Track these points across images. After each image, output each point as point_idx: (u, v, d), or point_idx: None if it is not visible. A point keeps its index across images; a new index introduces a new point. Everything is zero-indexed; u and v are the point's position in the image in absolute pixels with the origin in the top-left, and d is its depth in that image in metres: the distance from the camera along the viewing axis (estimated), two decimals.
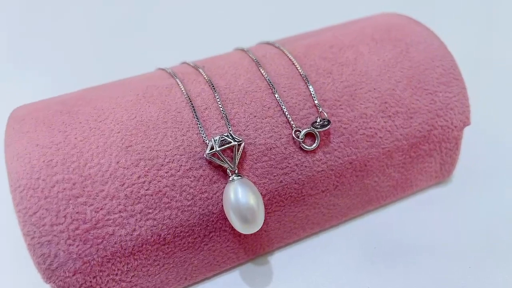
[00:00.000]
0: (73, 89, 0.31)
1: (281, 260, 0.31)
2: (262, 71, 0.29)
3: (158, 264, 0.27)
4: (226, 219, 0.27)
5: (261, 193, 0.27)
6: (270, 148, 0.27)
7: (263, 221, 0.25)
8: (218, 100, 0.27)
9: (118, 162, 0.25)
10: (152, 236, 0.25)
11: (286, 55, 0.31)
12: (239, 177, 0.25)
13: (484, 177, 0.36)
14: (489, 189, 0.36)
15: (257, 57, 0.30)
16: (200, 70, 0.29)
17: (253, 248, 0.30)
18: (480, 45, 0.50)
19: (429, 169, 0.33)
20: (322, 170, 0.29)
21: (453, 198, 0.35)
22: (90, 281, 0.25)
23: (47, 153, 0.25)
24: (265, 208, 0.28)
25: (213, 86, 0.28)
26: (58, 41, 0.53)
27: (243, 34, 0.45)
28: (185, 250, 0.27)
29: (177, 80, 0.29)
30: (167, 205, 0.25)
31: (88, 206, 0.24)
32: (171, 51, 0.49)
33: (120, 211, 0.25)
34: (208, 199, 0.26)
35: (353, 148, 0.29)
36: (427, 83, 0.31)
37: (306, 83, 0.29)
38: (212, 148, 0.25)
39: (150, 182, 0.25)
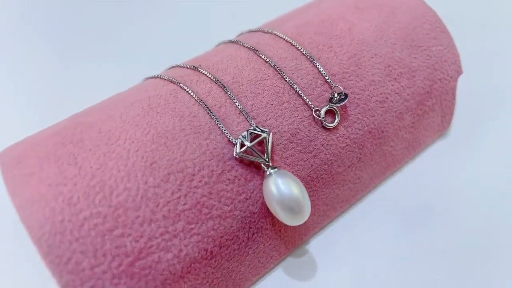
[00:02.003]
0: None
1: (319, 247, 0.30)
2: (264, 57, 0.28)
3: (207, 282, 0.25)
4: (266, 217, 0.26)
5: None
6: (295, 134, 0.26)
7: (310, 209, 0.24)
8: (231, 95, 0.26)
9: (146, 183, 0.23)
10: (199, 253, 0.23)
11: (281, 37, 0.30)
12: (276, 169, 0.24)
13: (479, 123, 0.38)
14: (486, 133, 0.37)
15: (252, 45, 0.29)
16: (201, 69, 0.27)
17: (293, 241, 0.29)
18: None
19: (433, 124, 0.34)
20: (347, 145, 0.28)
21: (456, 147, 0.36)
22: None
23: (64, 190, 0.22)
24: None
25: (220, 83, 0.26)
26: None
27: (209, 31, 0.43)
28: (231, 259, 0.25)
29: (180, 84, 0.27)
30: (208, 216, 0.24)
31: (127, 237, 0.22)
32: (138, 60, 0.46)
33: (161, 234, 0.22)
34: (247, 199, 0.25)
35: (370, 116, 0.29)
36: (419, 41, 0.32)
37: (311, 61, 0.28)
38: (242, 145, 0.24)
39: (185, 196, 0.23)
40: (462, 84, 0.37)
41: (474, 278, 0.28)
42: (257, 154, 0.24)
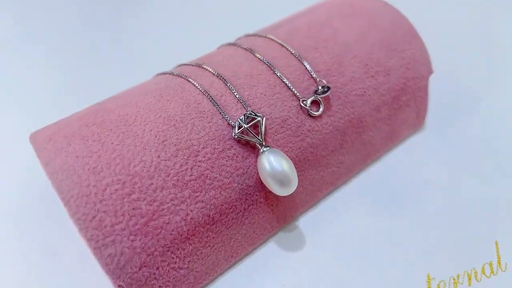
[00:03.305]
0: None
1: (308, 224, 0.34)
2: (259, 56, 0.33)
3: (209, 245, 0.29)
4: (260, 191, 0.30)
5: None
6: (285, 120, 0.31)
7: (297, 181, 0.28)
8: (230, 87, 0.30)
9: (158, 157, 0.27)
10: (203, 217, 0.27)
11: (274, 40, 0.34)
12: (268, 148, 0.28)
13: (451, 119, 0.43)
14: (457, 127, 0.42)
15: (249, 46, 0.34)
16: (205, 66, 0.32)
17: (284, 216, 0.33)
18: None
19: (408, 118, 0.39)
20: (330, 132, 0.33)
21: (430, 140, 0.41)
22: (154, 273, 0.27)
23: (89, 161, 0.26)
24: None
25: (221, 77, 0.31)
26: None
27: (213, 36, 0.48)
28: (230, 226, 0.29)
29: (187, 78, 0.31)
30: (210, 186, 0.28)
31: (142, 201, 0.26)
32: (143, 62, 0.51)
33: (171, 200, 0.27)
34: (244, 174, 0.29)
35: (350, 108, 0.33)
36: (394, 44, 0.36)
37: (299, 60, 0.33)
38: (239, 127, 0.28)
39: (192, 168, 0.27)
40: (437, 84, 0.42)
41: (445, 259, 0.32)
42: (252, 134, 0.28)
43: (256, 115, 0.29)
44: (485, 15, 0.58)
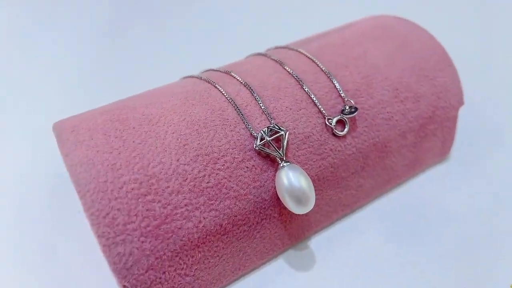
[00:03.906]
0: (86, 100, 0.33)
1: (320, 245, 0.34)
2: (288, 69, 0.32)
3: (218, 255, 0.28)
4: (275, 206, 0.29)
5: None
6: (308, 136, 0.30)
7: (314, 201, 0.28)
8: (256, 97, 0.30)
9: (178, 160, 0.27)
10: (215, 226, 0.27)
11: (305, 54, 0.34)
12: (288, 163, 0.28)
13: (477, 151, 0.41)
14: (483, 161, 0.41)
15: (278, 58, 0.33)
16: (233, 74, 0.32)
17: (296, 233, 0.32)
18: (464, 36, 0.57)
19: (434, 147, 0.38)
20: (352, 153, 0.32)
21: (453, 171, 0.40)
22: (160, 277, 0.26)
23: (109, 157, 0.26)
24: None
25: (249, 86, 0.31)
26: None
27: (243, 45, 0.48)
28: (241, 239, 0.29)
29: (214, 84, 0.31)
30: (226, 195, 0.27)
31: (157, 203, 0.26)
32: (173, 64, 0.51)
33: (186, 205, 0.26)
34: (261, 187, 0.28)
35: (376, 131, 0.33)
36: (426, 70, 0.36)
37: (328, 77, 0.32)
38: (262, 139, 0.28)
39: (209, 175, 0.27)
40: (464, 115, 0.41)
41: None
42: (274, 148, 0.28)
43: (280, 128, 0.28)
44: None
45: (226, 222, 0.27)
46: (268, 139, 0.28)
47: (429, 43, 0.37)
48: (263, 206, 0.29)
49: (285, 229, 0.31)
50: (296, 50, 0.35)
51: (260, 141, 0.28)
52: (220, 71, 0.33)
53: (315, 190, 0.31)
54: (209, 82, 0.31)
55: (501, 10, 0.64)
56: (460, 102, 0.37)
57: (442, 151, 0.39)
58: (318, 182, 0.31)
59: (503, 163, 0.41)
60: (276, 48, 0.37)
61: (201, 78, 0.32)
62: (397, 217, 0.36)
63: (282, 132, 0.28)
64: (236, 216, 0.28)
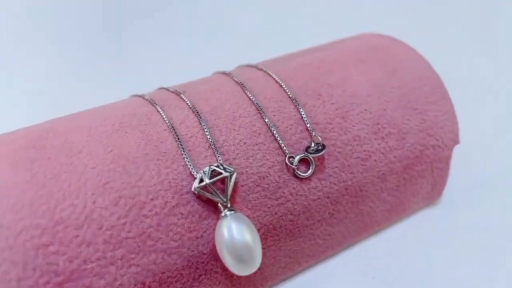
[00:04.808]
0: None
1: None
2: (249, 95, 0.27)
3: None
4: (217, 259, 0.24)
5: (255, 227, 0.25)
6: (263, 177, 0.25)
7: (260, 259, 0.23)
8: (204, 127, 0.25)
9: (94, 202, 0.22)
10: (135, 285, 0.22)
11: (273, 77, 0.29)
12: (232, 212, 0.23)
13: (473, 197, 0.36)
14: (478, 207, 0.35)
15: (242, 80, 0.29)
16: (182, 96, 0.27)
17: None
18: (463, 64, 0.51)
19: (421, 191, 0.32)
20: (318, 198, 0.27)
21: (444, 218, 0.34)
22: None
23: (11, 195, 0.22)
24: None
25: (197, 112, 0.26)
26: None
27: (221, 58, 0.43)
28: None
29: (157, 107, 0.26)
30: (152, 248, 0.22)
31: (61, 256, 0.21)
32: (146, 76, 0.46)
33: (98, 259, 0.21)
34: (198, 238, 0.24)
35: (348, 173, 0.28)
36: (416, 103, 0.30)
37: (296, 106, 0.27)
38: (201, 180, 0.23)
39: (132, 223, 0.22)
40: (461, 154, 0.35)
41: None
42: (215, 192, 0.23)
43: (224, 168, 0.23)
44: None
45: (150, 280, 0.23)
46: (208, 182, 0.23)
47: (423, 70, 0.32)
48: (201, 261, 0.24)
49: (232, 285, 0.26)
50: (264, 71, 0.30)
51: (200, 183, 0.23)
52: (171, 91, 0.28)
53: (270, 239, 0.26)
54: (153, 105, 0.27)
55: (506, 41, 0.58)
56: (455, 141, 0.32)
57: (431, 195, 0.33)
58: (274, 231, 0.26)
59: (502, 210, 0.35)
60: (247, 66, 0.32)
61: (146, 99, 0.27)
62: (373, 268, 0.31)
63: (227, 174, 0.23)
64: (164, 272, 0.23)
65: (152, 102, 0.27)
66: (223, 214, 0.23)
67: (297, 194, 0.26)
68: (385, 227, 0.33)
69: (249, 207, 0.25)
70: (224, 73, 0.30)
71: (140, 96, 0.29)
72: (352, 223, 0.30)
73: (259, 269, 0.27)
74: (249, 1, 0.61)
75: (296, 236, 0.27)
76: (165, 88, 0.29)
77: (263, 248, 0.26)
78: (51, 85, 0.46)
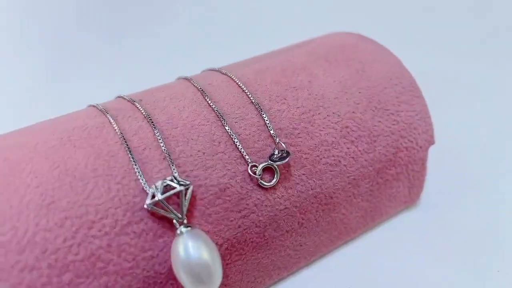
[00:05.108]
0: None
1: None
2: (209, 101, 0.26)
3: None
4: (176, 279, 0.23)
5: (217, 243, 0.23)
6: (224, 189, 0.24)
7: (220, 279, 0.21)
8: (159, 137, 0.24)
9: (37, 225, 0.20)
10: None
11: (235, 81, 0.27)
12: (189, 228, 0.22)
13: (453, 197, 0.35)
14: (458, 209, 0.34)
15: (202, 86, 0.27)
16: (137, 104, 0.25)
17: None
18: (434, 60, 0.50)
19: (397, 194, 0.31)
20: (285, 208, 0.25)
21: (423, 221, 0.33)
22: None
23: None
24: (224, 259, 0.24)
25: (152, 122, 0.24)
26: None
27: (189, 62, 0.42)
28: None
29: (109, 117, 0.24)
30: (102, 271, 0.21)
31: (3, 283, 0.19)
32: (109, 84, 0.45)
33: (43, 285, 0.20)
34: (153, 257, 0.22)
35: (317, 179, 0.26)
36: (387, 103, 0.29)
37: (259, 112, 0.26)
38: (153, 196, 0.21)
39: (79, 245, 0.21)
40: (438, 155, 0.34)
41: None
42: (169, 209, 0.21)
43: (178, 182, 0.22)
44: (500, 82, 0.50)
45: None
46: (160, 197, 0.21)
47: (393, 69, 0.30)
48: (158, 281, 0.22)
49: None
50: (227, 75, 0.28)
51: (152, 199, 0.21)
52: (127, 100, 0.27)
53: (235, 255, 0.24)
54: (106, 115, 0.25)
55: (485, 36, 0.57)
56: (430, 141, 0.30)
57: (408, 198, 0.32)
58: (239, 245, 0.24)
59: (483, 209, 0.34)
60: (210, 70, 0.30)
61: (99, 109, 0.26)
62: (348, 278, 0.29)
63: (181, 188, 0.22)
64: None
65: (104, 113, 0.25)
66: (178, 232, 0.21)
67: (262, 205, 0.25)
68: (361, 233, 0.32)
69: (209, 221, 0.23)
70: (185, 78, 0.29)
71: (95, 106, 0.27)
72: (324, 232, 0.28)
73: (225, 285, 0.25)
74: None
75: (264, 248, 0.26)
76: (121, 97, 0.28)
77: (227, 264, 0.24)
78: (26, 88, 0.44)
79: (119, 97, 0.28)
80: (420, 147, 0.30)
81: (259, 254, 0.26)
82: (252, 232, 0.25)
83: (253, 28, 0.58)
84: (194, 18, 0.59)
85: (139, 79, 0.36)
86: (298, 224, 0.26)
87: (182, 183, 0.22)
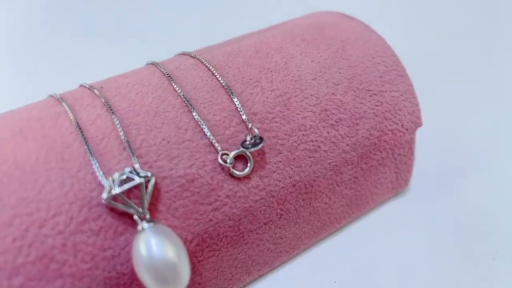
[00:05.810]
0: None
1: None
2: (175, 86, 0.24)
3: None
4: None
5: (186, 239, 0.22)
6: (192, 180, 0.22)
7: (188, 278, 0.20)
8: (118, 126, 0.22)
9: None
10: None
11: (205, 64, 0.25)
12: (152, 224, 0.20)
13: (444, 183, 0.33)
14: (449, 194, 0.32)
15: (169, 71, 0.25)
16: (96, 91, 0.23)
17: None
18: (419, 39, 0.48)
19: (384, 181, 0.29)
20: (261, 199, 0.24)
21: (413, 209, 0.31)
22: None
23: None
24: (196, 256, 0.22)
25: (111, 110, 0.22)
26: None
27: (164, 46, 0.40)
28: None
29: (65, 106, 0.22)
30: (57, 273, 0.19)
31: None
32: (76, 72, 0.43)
33: None
34: (114, 257, 0.20)
35: (295, 167, 0.24)
36: (370, 83, 0.27)
37: (230, 96, 0.24)
38: (110, 190, 0.20)
39: (30, 246, 0.19)
40: (427, 138, 0.32)
41: None
42: (128, 203, 0.20)
43: (138, 174, 0.20)
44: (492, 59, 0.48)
45: None
46: (118, 191, 0.19)
47: (376, 47, 0.29)
48: (122, 282, 0.20)
49: None
50: (196, 58, 0.26)
51: (109, 193, 0.20)
52: (87, 88, 0.25)
53: (208, 250, 0.23)
54: (62, 105, 0.23)
55: (470, 15, 0.55)
56: (417, 123, 0.29)
57: (396, 184, 0.30)
58: (211, 240, 0.23)
59: (474, 194, 0.32)
60: (180, 54, 0.28)
61: (56, 98, 0.24)
62: (333, 271, 0.27)
63: (140, 180, 0.20)
64: None
65: (61, 101, 0.23)
66: (140, 228, 0.20)
67: (235, 196, 0.23)
68: (347, 223, 0.30)
69: (176, 216, 0.21)
70: (152, 63, 0.27)
71: (53, 95, 0.25)
72: (306, 223, 0.26)
73: (199, 284, 0.23)
74: None
75: (239, 243, 0.24)
76: (83, 85, 0.25)
77: (199, 261, 0.23)
78: None
79: (81, 85, 0.26)
80: (406, 129, 0.28)
81: (234, 249, 0.24)
82: (226, 226, 0.23)
83: (239, 10, 0.56)
84: (175, 2, 0.56)
85: (116, 68, 0.34)
86: (276, 215, 0.25)
87: (142, 174, 0.20)
